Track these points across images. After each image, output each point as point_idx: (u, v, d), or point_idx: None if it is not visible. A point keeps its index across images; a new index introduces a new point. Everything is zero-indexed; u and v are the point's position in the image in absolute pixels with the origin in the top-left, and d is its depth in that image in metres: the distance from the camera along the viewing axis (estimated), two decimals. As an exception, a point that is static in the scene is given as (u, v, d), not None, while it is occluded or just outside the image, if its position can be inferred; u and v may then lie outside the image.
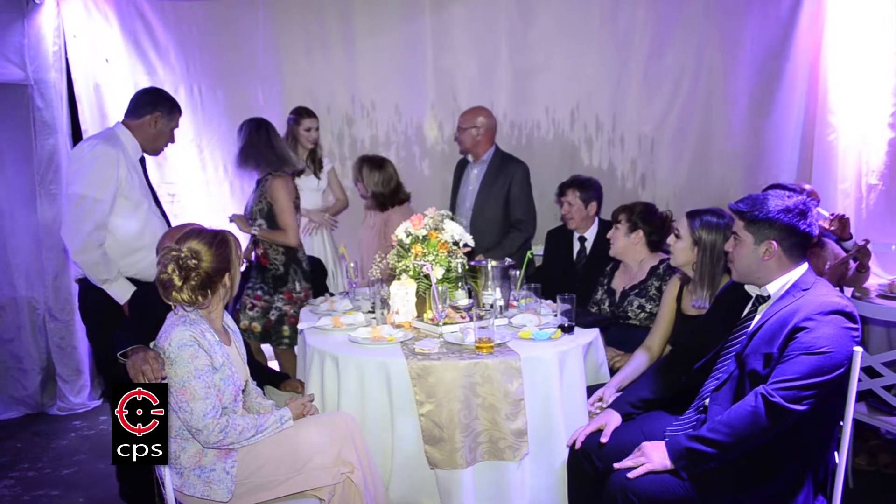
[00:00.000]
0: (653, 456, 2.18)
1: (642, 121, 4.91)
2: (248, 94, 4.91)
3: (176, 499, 2.30)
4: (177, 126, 3.50)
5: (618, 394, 2.75)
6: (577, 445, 2.44)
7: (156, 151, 3.51)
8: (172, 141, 3.52)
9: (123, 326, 2.70)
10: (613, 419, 2.45)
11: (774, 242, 2.24)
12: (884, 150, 4.41)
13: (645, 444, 2.24)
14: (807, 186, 4.01)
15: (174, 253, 2.32)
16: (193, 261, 2.32)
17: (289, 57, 4.92)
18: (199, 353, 2.30)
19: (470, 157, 4.48)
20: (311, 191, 4.58)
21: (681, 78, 4.84)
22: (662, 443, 2.21)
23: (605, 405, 2.60)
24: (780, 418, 2.06)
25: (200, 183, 4.95)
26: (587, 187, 4.13)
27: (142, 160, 3.44)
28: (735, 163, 4.88)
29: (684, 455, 2.14)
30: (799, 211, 2.22)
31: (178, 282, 2.30)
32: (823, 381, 2.06)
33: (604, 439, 2.39)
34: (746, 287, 2.38)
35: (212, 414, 2.29)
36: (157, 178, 4.57)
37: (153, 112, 3.38)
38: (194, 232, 2.41)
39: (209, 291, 2.37)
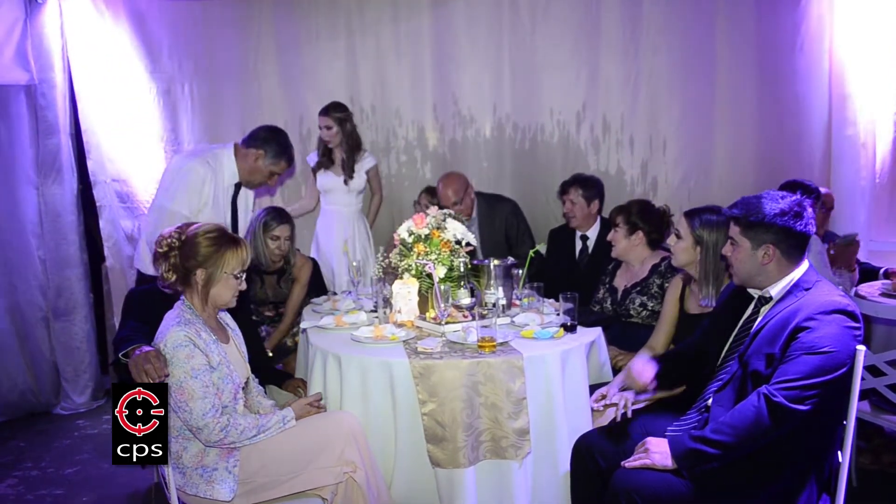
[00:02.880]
0: (654, 452, 2.18)
1: (652, 121, 4.75)
2: (244, 95, 4.84)
3: (179, 498, 2.30)
4: (278, 172, 3.62)
5: (620, 392, 2.73)
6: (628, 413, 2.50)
7: (249, 185, 3.63)
8: (270, 184, 3.63)
9: (125, 326, 2.71)
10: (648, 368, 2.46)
11: (772, 246, 2.22)
12: (888, 150, 4.39)
13: (649, 438, 2.24)
14: (822, 189, 3.98)
15: (176, 231, 2.46)
16: (177, 241, 2.44)
17: (286, 58, 4.83)
18: (194, 353, 2.33)
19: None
20: (340, 192, 4.50)
21: (691, 77, 4.69)
22: (665, 440, 2.21)
23: (607, 402, 2.59)
24: (782, 418, 2.05)
25: None
26: (589, 185, 4.12)
27: (238, 185, 3.57)
28: (748, 164, 4.72)
29: (687, 455, 2.14)
30: (794, 213, 2.20)
31: (161, 250, 2.43)
32: (826, 381, 2.05)
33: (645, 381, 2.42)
34: (749, 289, 2.37)
35: (211, 413, 2.31)
36: (150, 179, 4.61)
37: (259, 149, 3.53)
38: (200, 225, 2.51)
39: (187, 279, 2.44)
